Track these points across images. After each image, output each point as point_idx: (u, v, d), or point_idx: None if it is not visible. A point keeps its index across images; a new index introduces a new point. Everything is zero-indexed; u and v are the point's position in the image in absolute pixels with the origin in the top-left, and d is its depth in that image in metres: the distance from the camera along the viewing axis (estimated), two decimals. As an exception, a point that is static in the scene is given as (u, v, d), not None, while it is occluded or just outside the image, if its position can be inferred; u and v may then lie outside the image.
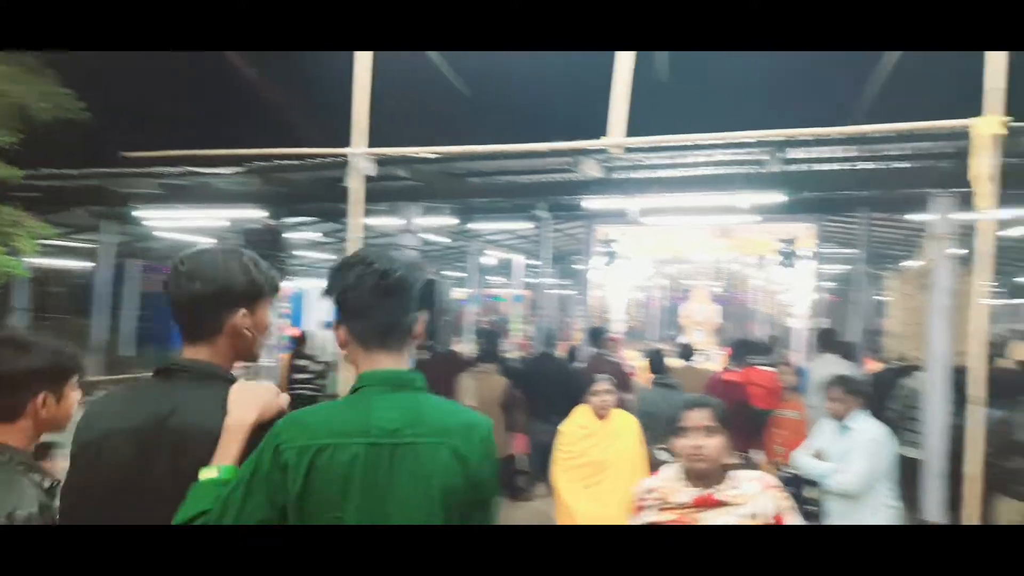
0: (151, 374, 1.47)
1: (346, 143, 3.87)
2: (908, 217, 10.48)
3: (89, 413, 1.44)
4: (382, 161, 3.99)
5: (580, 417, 4.16)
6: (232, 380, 1.45)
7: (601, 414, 4.09)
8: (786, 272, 13.51)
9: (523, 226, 11.30)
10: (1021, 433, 3.98)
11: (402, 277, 1.41)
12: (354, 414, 1.33)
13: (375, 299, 1.39)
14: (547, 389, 6.55)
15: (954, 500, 4.61)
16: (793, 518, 1.98)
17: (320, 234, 11.84)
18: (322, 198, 5.45)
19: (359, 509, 1.27)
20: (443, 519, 1.31)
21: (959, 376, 4.25)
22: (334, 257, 16.19)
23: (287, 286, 15.45)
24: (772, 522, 1.91)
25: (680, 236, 13.65)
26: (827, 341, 5.88)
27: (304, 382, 8.08)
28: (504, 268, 20.05)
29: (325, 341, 8.68)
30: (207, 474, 1.29)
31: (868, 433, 3.62)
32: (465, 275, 16.96)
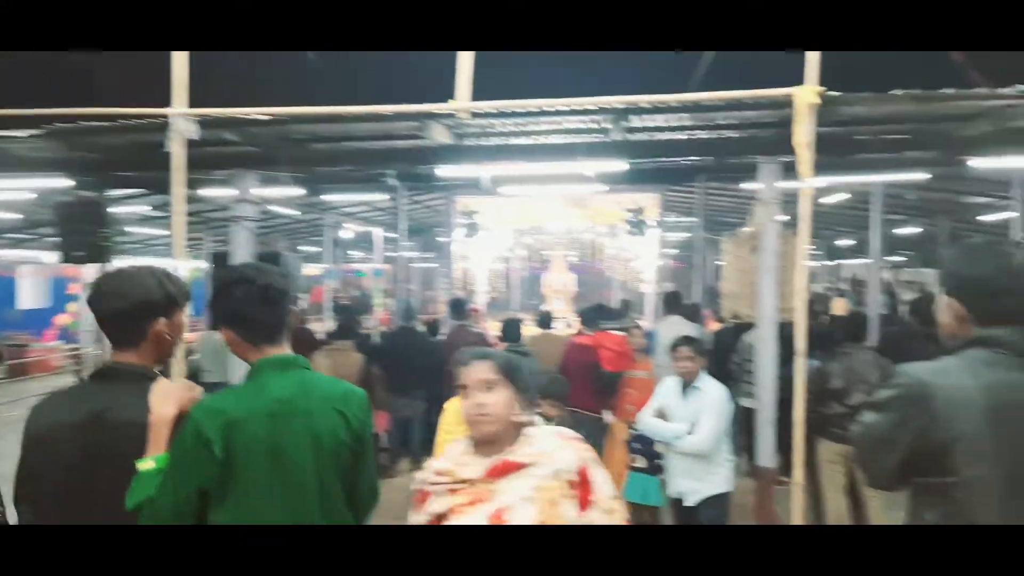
0: (89, 376, 1.76)
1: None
2: (742, 186, 11.34)
3: (36, 410, 1.70)
4: (209, 124, 3.61)
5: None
6: (155, 377, 1.70)
7: None
8: (635, 240, 14.22)
9: (378, 198, 10.95)
10: (836, 381, 4.40)
11: (282, 288, 1.74)
12: (254, 392, 1.67)
13: (261, 309, 1.70)
14: (407, 364, 6.42)
15: (784, 445, 5.06)
16: (597, 470, 1.75)
17: (150, 207, 10.80)
18: (143, 166, 4.88)
19: (270, 467, 1.60)
20: (335, 471, 1.70)
21: (786, 330, 4.64)
22: (167, 233, 14.93)
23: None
24: (576, 478, 1.70)
25: (536, 206, 13.90)
26: (672, 304, 6.22)
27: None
28: (365, 242, 19.49)
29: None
30: (145, 465, 1.55)
31: (714, 393, 3.77)
32: (320, 250, 16.30)
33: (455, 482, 1.71)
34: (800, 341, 3.52)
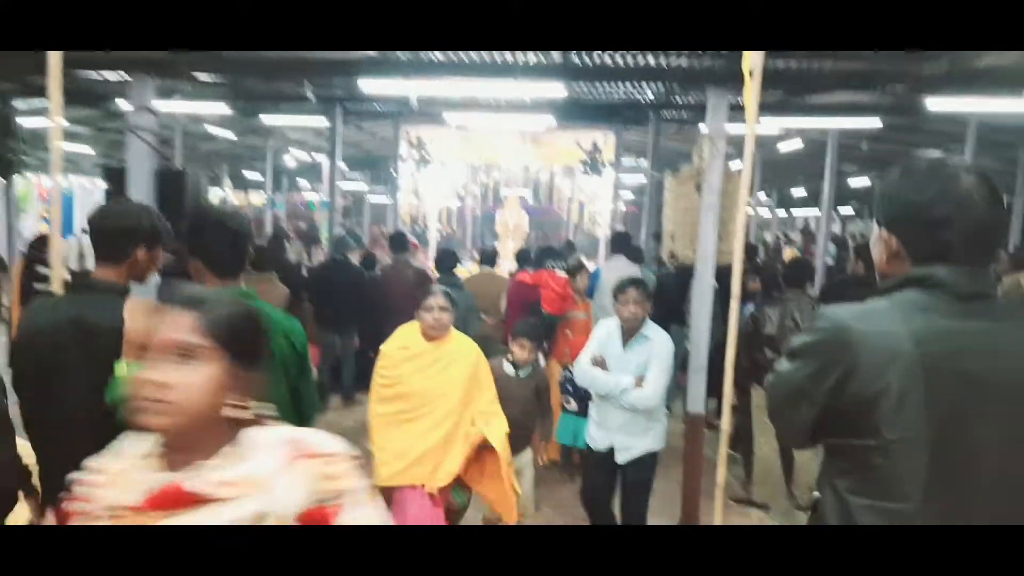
0: (71, 287, 2.17)
1: None
2: (700, 126, 11.09)
3: (28, 313, 2.05)
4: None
5: (404, 336, 3.22)
6: (127, 292, 2.00)
7: (431, 335, 3.15)
8: (590, 181, 13.95)
9: (315, 121, 10.35)
10: (770, 326, 4.28)
11: (247, 232, 2.11)
12: None
13: (229, 248, 2.05)
14: (337, 298, 6.11)
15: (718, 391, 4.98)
16: (354, 508, 1.13)
17: (68, 124, 10.02)
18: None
19: None
20: (283, 383, 2.00)
21: (725, 274, 4.47)
22: (92, 151, 14.02)
23: (60, 184, 13.18)
24: (297, 521, 1.09)
25: (489, 141, 13.46)
26: (619, 244, 5.99)
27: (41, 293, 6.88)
28: (313, 172, 18.72)
29: (71, 249, 7.41)
30: (120, 368, 1.78)
31: (663, 343, 3.34)
32: (263, 178, 15.58)
33: (105, 506, 1.10)
34: (736, 284, 3.34)
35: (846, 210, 22.04)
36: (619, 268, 5.79)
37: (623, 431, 3.37)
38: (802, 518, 4.53)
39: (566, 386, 4.91)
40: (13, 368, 2.00)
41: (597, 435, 3.52)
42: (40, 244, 6.87)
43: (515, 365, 3.75)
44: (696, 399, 3.91)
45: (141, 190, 3.97)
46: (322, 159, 17.40)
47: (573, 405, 4.88)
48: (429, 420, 3.07)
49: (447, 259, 5.33)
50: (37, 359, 1.94)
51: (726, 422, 3.46)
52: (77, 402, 1.85)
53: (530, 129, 13.17)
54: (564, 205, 14.90)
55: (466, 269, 10.63)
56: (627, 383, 3.28)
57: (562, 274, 5.21)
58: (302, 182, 23.65)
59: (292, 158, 15.78)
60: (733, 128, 4.09)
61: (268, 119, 11.24)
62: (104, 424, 1.52)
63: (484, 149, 13.64)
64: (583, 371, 3.48)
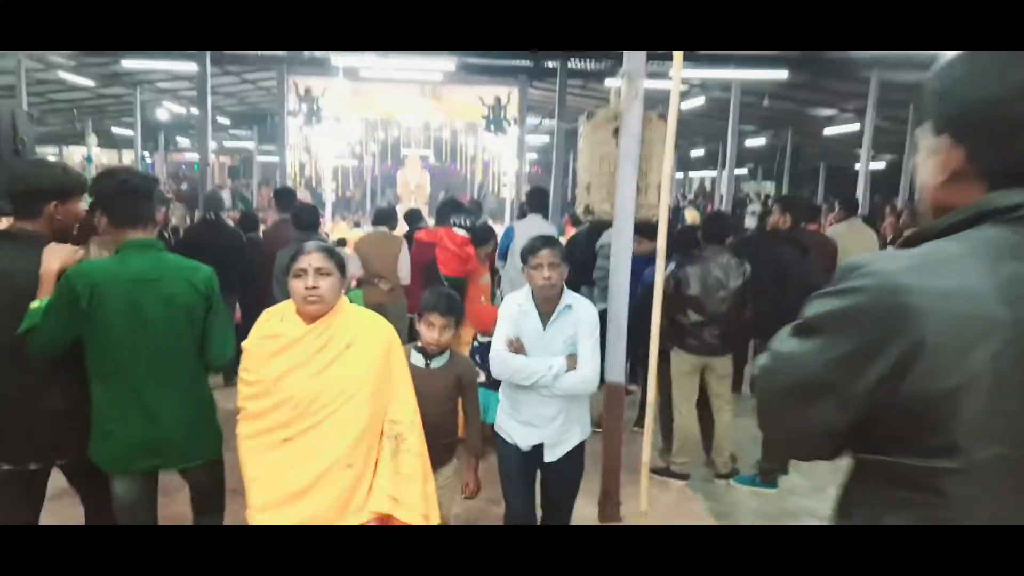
0: None
1: None
2: (608, 83, 10.75)
3: None
4: None
5: (271, 321, 2.17)
6: (47, 242, 2.22)
7: (310, 311, 2.11)
8: (494, 139, 13.44)
9: (185, 67, 9.23)
10: (692, 286, 3.98)
11: (142, 184, 2.29)
12: (119, 265, 2.18)
13: (132, 200, 2.24)
14: (209, 260, 5.33)
15: (635, 356, 4.67)
16: None
17: None
18: None
19: (129, 322, 2.15)
20: (188, 326, 2.24)
21: (644, 230, 4.08)
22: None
23: None
24: None
25: (387, 94, 12.64)
26: (535, 201, 5.49)
27: None
28: (191, 127, 17.08)
29: None
30: (34, 304, 2.11)
31: (589, 314, 2.71)
32: (132, 133, 13.99)
33: None
34: (661, 240, 2.97)
35: (740, 171, 22.62)
36: (535, 228, 5.33)
37: (554, 425, 2.71)
38: (721, 487, 4.42)
39: (474, 356, 4.45)
40: None
41: (520, 433, 2.75)
42: None
43: (425, 352, 2.69)
44: (615, 367, 3.55)
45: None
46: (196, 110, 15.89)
47: (482, 377, 4.44)
48: (314, 443, 2.04)
49: (307, 216, 4.66)
50: None
51: (652, 392, 3.11)
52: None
53: (430, 82, 12.49)
54: (467, 164, 14.35)
55: (360, 231, 9.96)
56: (559, 366, 2.61)
57: (461, 232, 4.65)
58: (183, 140, 21.72)
59: (166, 111, 14.24)
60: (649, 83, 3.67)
61: (131, 64, 9.97)
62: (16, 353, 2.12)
63: (380, 103, 12.81)
64: (500, 361, 2.69)
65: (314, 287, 2.07)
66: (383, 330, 2.21)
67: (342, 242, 7.00)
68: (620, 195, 3.43)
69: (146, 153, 19.90)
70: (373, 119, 13.49)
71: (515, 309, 2.74)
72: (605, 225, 4.06)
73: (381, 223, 5.87)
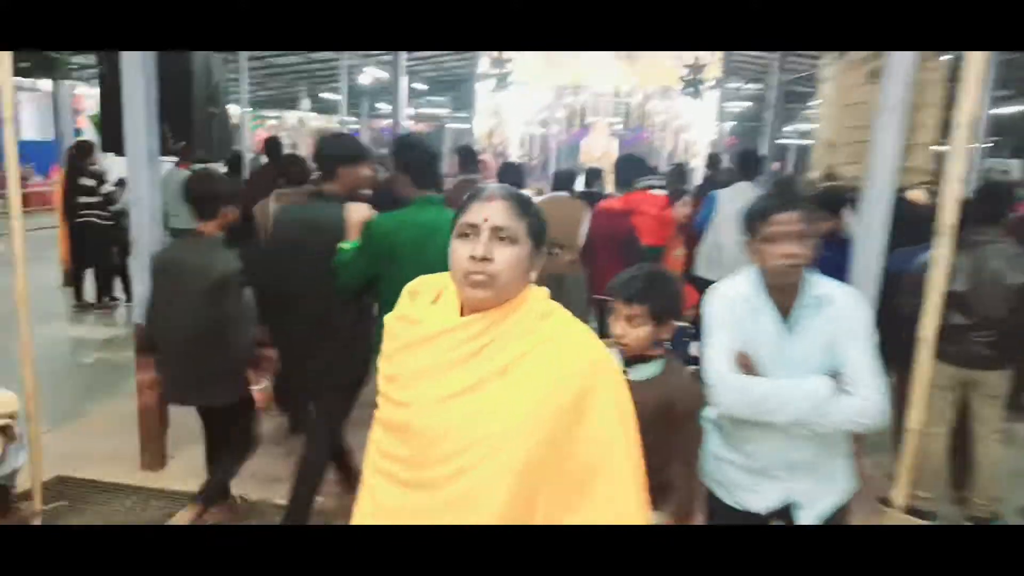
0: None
1: None
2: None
3: (279, 212, 3.06)
4: None
5: (421, 296, 1.31)
6: (345, 201, 2.65)
7: (476, 297, 1.19)
8: (689, 105, 12.49)
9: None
10: (957, 280, 3.10)
11: (432, 151, 2.75)
12: (411, 214, 2.52)
13: (424, 165, 2.66)
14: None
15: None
16: None
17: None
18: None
19: (415, 253, 2.39)
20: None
21: (906, 208, 3.24)
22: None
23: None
24: None
25: (578, 58, 12.16)
26: (745, 165, 4.73)
27: (90, 208, 6.34)
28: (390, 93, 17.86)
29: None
30: (343, 246, 2.54)
31: (853, 303, 1.84)
32: (339, 97, 14.80)
33: None
34: (949, 215, 2.22)
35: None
36: (744, 197, 4.60)
37: (806, 472, 1.87)
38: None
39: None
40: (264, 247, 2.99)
41: (752, 489, 1.92)
42: (82, 153, 6.35)
43: (622, 356, 1.90)
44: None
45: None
46: (403, 79, 16.46)
47: (671, 364, 3.89)
48: (468, 479, 1.16)
49: (511, 173, 4.21)
50: (280, 245, 2.79)
51: (916, 419, 2.40)
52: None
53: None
54: (657, 132, 13.52)
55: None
56: (826, 389, 1.75)
57: (660, 193, 4.00)
58: (385, 107, 22.88)
59: (369, 76, 14.89)
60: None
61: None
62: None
63: (572, 66, 12.36)
64: (732, 389, 1.82)
65: (485, 258, 1.18)
66: (584, 356, 1.20)
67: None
68: (878, 155, 2.68)
69: (352, 119, 21.23)
70: (563, 85, 13.11)
71: (738, 304, 1.86)
72: (854, 192, 3.27)
73: (561, 187, 5.43)
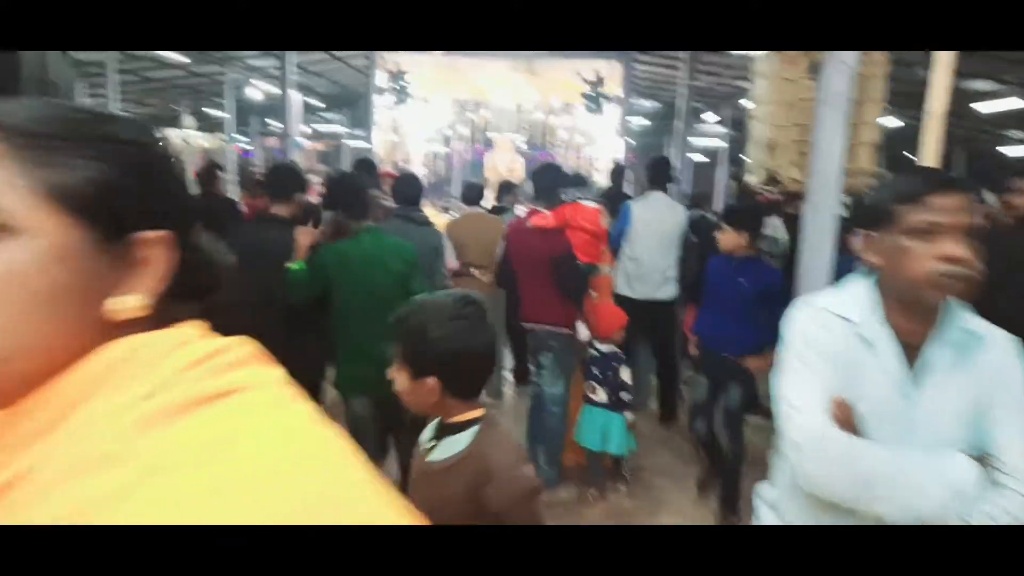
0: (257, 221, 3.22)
1: None
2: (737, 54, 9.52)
3: (241, 232, 3.11)
4: None
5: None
6: (292, 224, 2.96)
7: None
8: (592, 120, 12.46)
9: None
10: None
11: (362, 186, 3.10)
12: (354, 244, 2.81)
13: (354, 201, 2.95)
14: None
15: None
16: None
17: None
18: None
19: (359, 280, 2.76)
20: (398, 284, 2.79)
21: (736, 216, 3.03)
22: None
23: None
24: None
25: (479, 71, 11.89)
26: (657, 174, 4.43)
27: None
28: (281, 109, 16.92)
29: None
30: (291, 266, 2.76)
31: (1009, 351, 1.24)
32: (225, 115, 13.82)
33: None
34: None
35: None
36: (659, 207, 4.34)
37: None
38: None
39: (591, 369, 3.55)
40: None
41: None
42: None
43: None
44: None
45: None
46: (296, 94, 15.60)
47: (601, 395, 3.54)
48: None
49: (408, 187, 3.74)
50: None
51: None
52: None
53: (525, 57, 11.65)
54: (560, 149, 13.43)
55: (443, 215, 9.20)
56: (972, 473, 1.14)
57: (591, 203, 3.56)
58: (276, 125, 21.74)
59: (257, 90, 14.00)
60: None
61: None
62: None
63: (473, 80, 12.07)
64: (825, 449, 1.18)
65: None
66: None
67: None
68: (820, 156, 2.42)
69: (238, 136, 20.02)
70: (464, 99, 12.79)
71: (837, 331, 1.25)
72: (798, 198, 3.01)
73: (471, 202, 5.02)
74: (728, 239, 3.09)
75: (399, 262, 2.82)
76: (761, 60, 2.64)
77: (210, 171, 4.47)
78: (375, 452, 2.93)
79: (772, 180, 2.60)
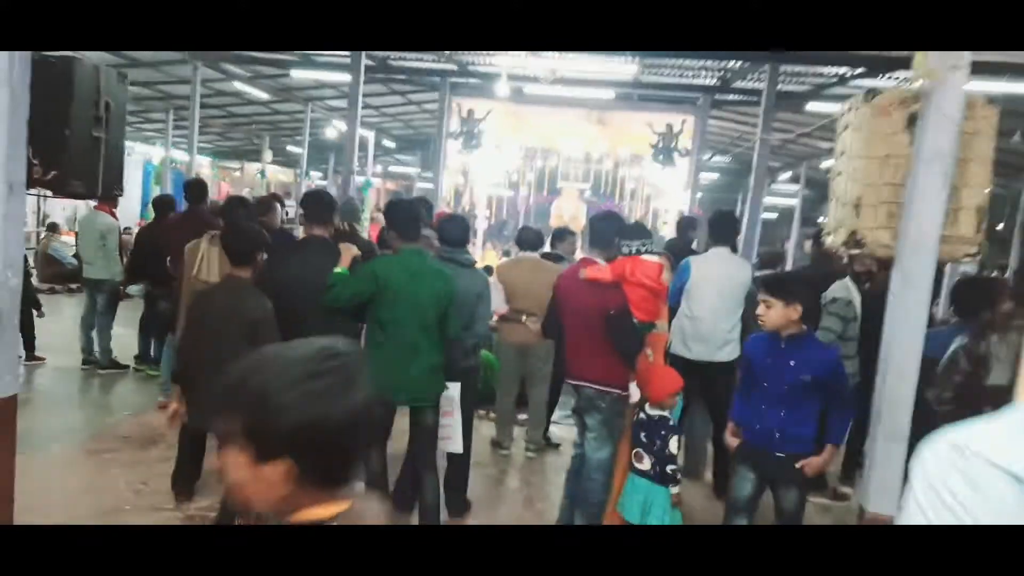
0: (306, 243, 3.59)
1: None
2: (810, 108, 9.15)
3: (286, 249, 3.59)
4: None
5: None
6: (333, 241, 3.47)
7: None
8: (660, 171, 12.25)
9: (342, 79, 8.89)
10: (1002, 370, 2.56)
11: (420, 211, 3.62)
12: (400, 261, 3.18)
13: (410, 223, 3.38)
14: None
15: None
16: None
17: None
18: None
19: (405, 294, 3.07)
20: (435, 308, 3.15)
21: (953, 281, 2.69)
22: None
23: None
24: None
25: (550, 119, 11.89)
26: (721, 229, 4.14)
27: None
28: (359, 148, 17.40)
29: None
30: (337, 270, 3.18)
31: None
32: (300, 150, 14.28)
33: None
34: None
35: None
36: (722, 264, 4.09)
37: None
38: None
39: (639, 434, 3.27)
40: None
41: None
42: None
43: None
44: (884, 491, 2.23)
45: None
46: (370, 134, 16.06)
47: (646, 463, 3.26)
48: None
49: (455, 228, 3.64)
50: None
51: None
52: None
53: (596, 107, 11.62)
54: (627, 200, 13.24)
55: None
56: None
57: (653, 258, 3.23)
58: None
59: (335, 129, 14.43)
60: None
61: (301, 75, 9.90)
62: None
63: (543, 128, 12.07)
64: None
65: None
66: None
67: (489, 270, 6.12)
68: (915, 219, 2.15)
69: (316, 174, 20.69)
70: (533, 146, 12.82)
71: (999, 498, 0.78)
72: (887, 264, 2.71)
73: (529, 247, 4.81)
74: (775, 315, 2.61)
75: (440, 281, 3.14)
76: (852, 111, 2.39)
77: (269, 203, 4.51)
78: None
79: (856, 243, 2.32)
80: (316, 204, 3.51)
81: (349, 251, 3.24)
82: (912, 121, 2.23)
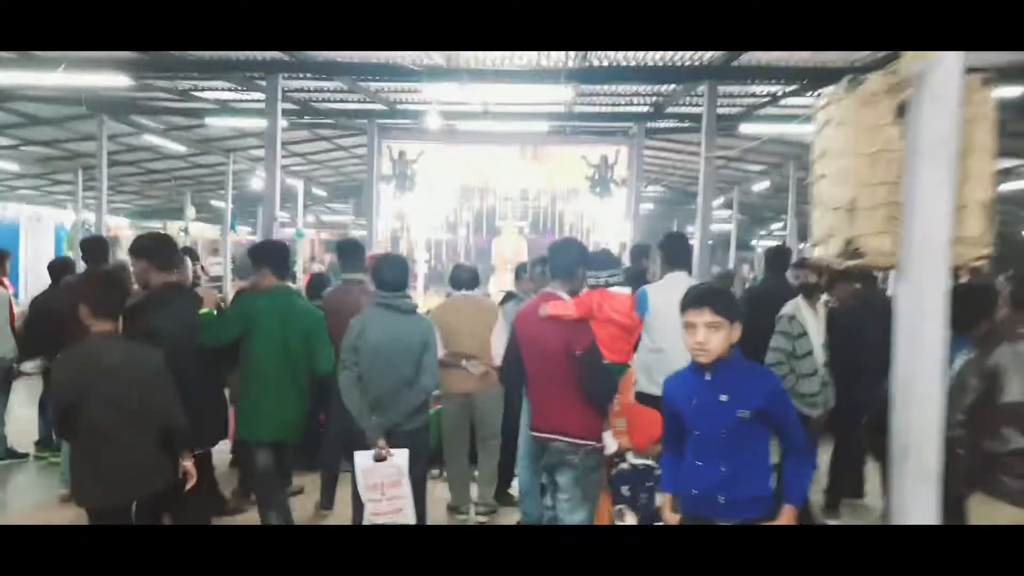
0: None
1: None
2: (743, 128, 9.09)
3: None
4: None
5: None
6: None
7: None
8: (598, 203, 12.15)
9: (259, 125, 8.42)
10: (1014, 388, 2.29)
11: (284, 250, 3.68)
12: (267, 297, 3.33)
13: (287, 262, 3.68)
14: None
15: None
16: None
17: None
18: None
19: (271, 331, 3.23)
20: (303, 342, 3.31)
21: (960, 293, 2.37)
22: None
23: None
24: None
25: (486, 156, 11.68)
26: (675, 253, 3.87)
27: None
28: (287, 199, 16.77)
29: None
30: (202, 311, 3.28)
31: None
32: (225, 204, 13.58)
33: None
34: None
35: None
36: (681, 289, 3.74)
37: None
38: None
39: (620, 487, 2.87)
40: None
41: None
42: None
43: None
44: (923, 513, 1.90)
45: None
46: (299, 183, 15.50)
47: (630, 519, 2.85)
48: None
49: (390, 271, 3.21)
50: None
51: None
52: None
53: (530, 142, 11.49)
54: (567, 234, 13.08)
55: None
56: None
57: (621, 289, 2.86)
58: (281, 214, 21.66)
59: (260, 179, 13.82)
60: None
61: (218, 123, 9.37)
62: None
63: (477, 165, 11.84)
64: None
65: None
66: None
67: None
68: (919, 220, 1.86)
69: (245, 228, 19.86)
70: (469, 186, 12.55)
71: None
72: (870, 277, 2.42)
73: (464, 286, 4.34)
74: (721, 340, 2.09)
75: (308, 319, 3.32)
76: (831, 105, 2.11)
77: (181, 257, 4.02)
78: (282, 505, 3.30)
79: (850, 251, 2.01)
80: (161, 250, 3.46)
81: (209, 294, 3.47)
82: (902, 111, 1.97)
